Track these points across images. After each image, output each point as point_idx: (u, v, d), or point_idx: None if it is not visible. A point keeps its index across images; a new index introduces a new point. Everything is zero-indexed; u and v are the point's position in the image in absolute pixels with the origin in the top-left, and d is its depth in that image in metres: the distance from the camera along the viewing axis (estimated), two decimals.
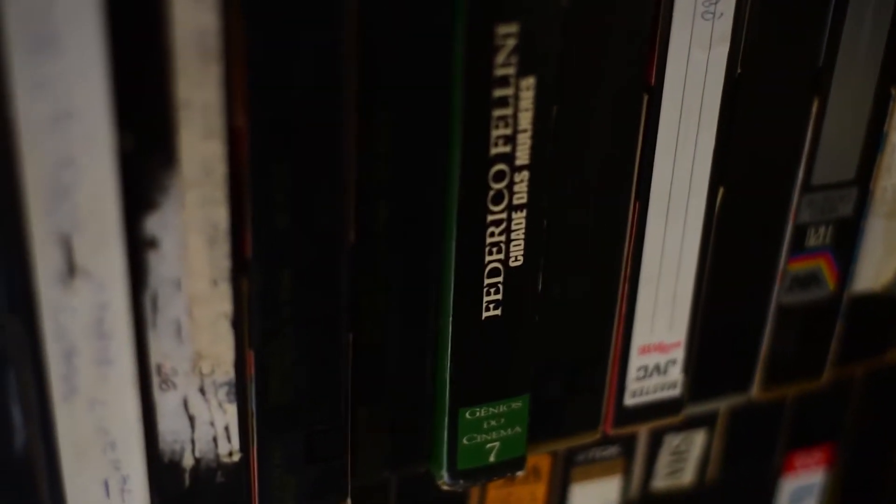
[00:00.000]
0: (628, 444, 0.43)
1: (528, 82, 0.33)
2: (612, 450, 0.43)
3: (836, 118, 0.39)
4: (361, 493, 0.38)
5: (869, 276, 0.43)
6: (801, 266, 0.41)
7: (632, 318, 0.39)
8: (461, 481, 0.38)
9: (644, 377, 0.40)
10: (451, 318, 0.36)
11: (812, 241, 0.41)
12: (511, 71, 0.33)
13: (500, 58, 0.32)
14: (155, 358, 0.33)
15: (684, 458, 0.44)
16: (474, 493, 0.42)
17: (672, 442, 0.44)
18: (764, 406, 0.44)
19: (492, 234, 0.35)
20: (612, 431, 0.40)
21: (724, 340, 0.41)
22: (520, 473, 0.39)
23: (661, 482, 0.45)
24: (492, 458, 0.38)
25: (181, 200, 0.31)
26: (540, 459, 0.42)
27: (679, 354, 0.40)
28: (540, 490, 0.43)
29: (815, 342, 0.43)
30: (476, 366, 0.36)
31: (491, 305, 0.36)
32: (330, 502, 0.37)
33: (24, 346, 0.31)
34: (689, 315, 0.40)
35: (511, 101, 0.33)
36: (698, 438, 0.44)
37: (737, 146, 0.38)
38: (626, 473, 0.44)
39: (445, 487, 0.38)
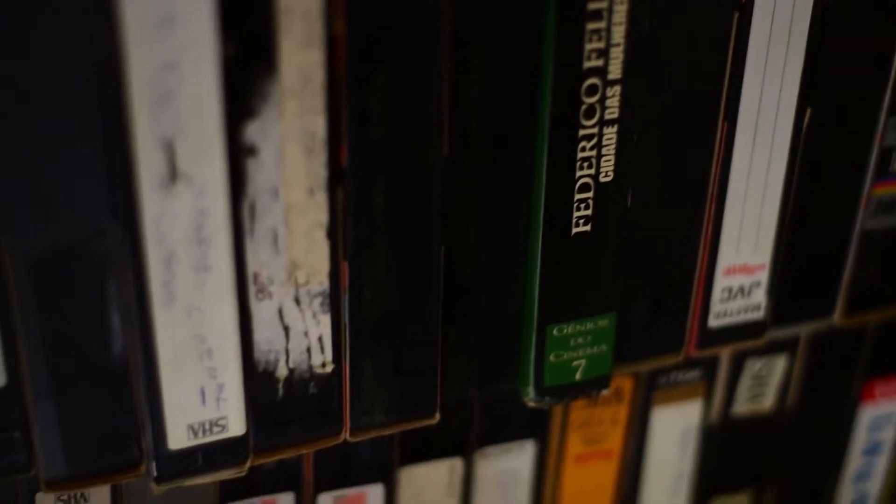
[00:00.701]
0: (710, 368, 0.44)
1: None
2: (694, 373, 0.43)
3: None
4: (446, 411, 0.38)
5: None
6: (885, 191, 0.41)
7: (718, 239, 0.39)
8: (547, 399, 0.39)
9: (728, 299, 0.40)
10: (540, 234, 0.36)
11: None
12: None
13: None
14: (252, 266, 0.33)
15: (765, 383, 0.45)
16: (557, 413, 0.42)
17: (753, 366, 0.44)
18: (845, 332, 0.44)
19: (583, 149, 0.35)
20: (695, 353, 0.41)
21: (808, 264, 0.41)
22: (605, 392, 0.39)
23: (741, 407, 0.45)
24: (578, 376, 0.38)
25: (280, 109, 0.31)
26: (622, 381, 0.42)
27: (763, 276, 0.40)
28: (622, 412, 0.43)
29: None
30: (564, 282, 0.37)
31: (580, 221, 0.36)
32: (418, 416, 0.37)
33: (126, 251, 0.32)
34: (775, 237, 0.40)
35: (605, 14, 0.33)
36: (779, 363, 0.44)
37: (825, 67, 0.38)
38: (708, 398, 0.44)
39: (531, 405, 0.39)
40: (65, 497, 0.38)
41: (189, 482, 0.35)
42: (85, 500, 0.38)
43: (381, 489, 0.41)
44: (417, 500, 0.42)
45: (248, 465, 0.36)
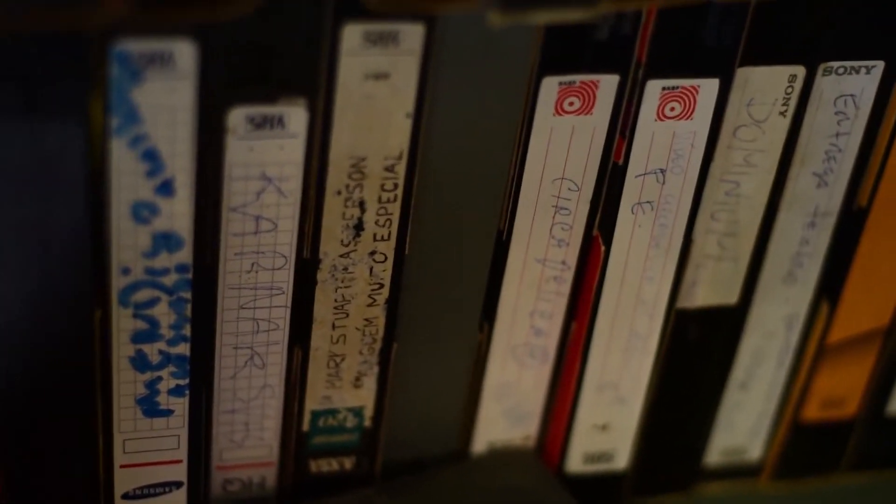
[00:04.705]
0: None
1: None
2: None
3: None
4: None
5: None
6: None
7: None
8: None
9: None
10: None
11: None
12: None
13: None
14: None
15: None
16: None
17: None
18: None
19: None
20: None
21: None
22: None
23: None
24: None
25: None
26: None
27: None
28: None
29: None
30: None
31: None
32: None
33: None
34: None
35: None
36: None
37: None
38: None
39: None
40: (374, 37, 0.34)
41: (531, 18, 0.31)
42: (395, 44, 0.34)
43: (715, 85, 0.36)
44: (748, 109, 0.37)
45: (597, 5, 0.31)
